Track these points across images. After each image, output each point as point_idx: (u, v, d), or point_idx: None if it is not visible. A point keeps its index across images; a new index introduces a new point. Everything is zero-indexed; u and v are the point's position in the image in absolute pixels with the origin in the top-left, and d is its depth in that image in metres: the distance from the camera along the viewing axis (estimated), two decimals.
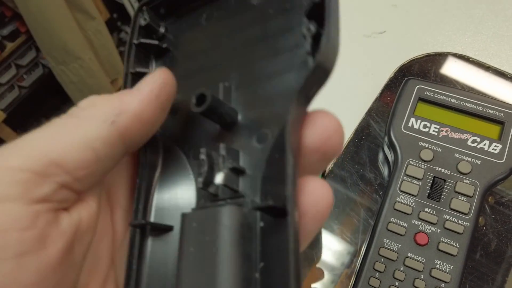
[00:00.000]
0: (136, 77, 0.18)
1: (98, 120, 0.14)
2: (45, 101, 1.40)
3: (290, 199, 0.12)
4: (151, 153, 0.17)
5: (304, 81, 0.13)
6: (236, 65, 0.16)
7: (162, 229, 0.16)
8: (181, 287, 0.13)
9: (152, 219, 0.16)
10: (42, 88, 1.33)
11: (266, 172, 0.13)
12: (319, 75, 0.13)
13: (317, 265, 0.34)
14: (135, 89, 0.16)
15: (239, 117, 0.15)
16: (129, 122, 0.15)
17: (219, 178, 0.14)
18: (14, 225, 0.12)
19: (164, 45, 0.19)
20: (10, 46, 1.21)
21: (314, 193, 0.13)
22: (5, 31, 1.19)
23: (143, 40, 0.18)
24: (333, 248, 0.34)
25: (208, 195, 0.15)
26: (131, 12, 1.44)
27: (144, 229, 0.16)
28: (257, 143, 0.14)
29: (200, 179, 0.14)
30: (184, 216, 0.14)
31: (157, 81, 0.15)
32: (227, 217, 0.13)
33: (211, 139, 0.16)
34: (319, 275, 0.33)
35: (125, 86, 0.18)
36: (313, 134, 0.13)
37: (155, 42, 0.18)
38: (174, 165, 0.17)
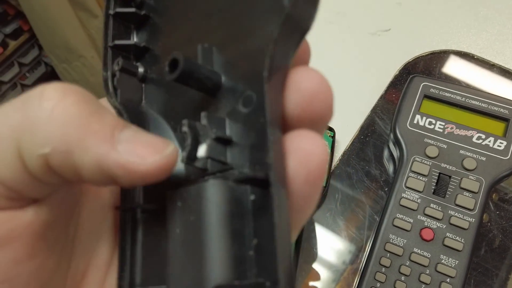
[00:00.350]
0: (116, 51, 0.17)
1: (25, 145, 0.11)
2: None
3: (271, 166, 0.11)
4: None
5: (277, 31, 0.11)
6: (217, 24, 0.14)
7: (153, 211, 0.15)
8: (171, 272, 0.13)
9: (141, 201, 0.15)
10: None
11: (253, 139, 0.12)
12: (291, 24, 0.11)
13: (315, 263, 0.34)
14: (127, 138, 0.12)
15: (223, 81, 0.13)
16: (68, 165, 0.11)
17: (201, 151, 0.12)
18: None
19: (143, 12, 0.17)
20: (13, 44, 1.22)
21: (302, 151, 0.11)
22: (8, 29, 1.19)
23: (119, 10, 0.17)
24: (338, 244, 0.35)
25: (197, 170, 0.13)
26: None
27: (135, 212, 0.15)
28: (243, 107, 0.12)
29: (184, 154, 0.12)
30: (168, 195, 0.13)
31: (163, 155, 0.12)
32: (210, 193, 0.12)
33: (196, 108, 0.14)
34: (316, 275, 0.33)
35: (104, 63, 0.17)
36: (293, 97, 0.12)
37: (132, 9, 0.17)
38: None
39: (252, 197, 0.12)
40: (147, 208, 0.15)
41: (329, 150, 0.36)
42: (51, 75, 1.30)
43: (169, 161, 0.11)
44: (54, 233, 0.13)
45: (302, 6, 0.11)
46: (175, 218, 0.13)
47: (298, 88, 0.12)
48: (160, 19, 0.17)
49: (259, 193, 0.12)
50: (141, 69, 0.17)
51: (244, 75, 0.13)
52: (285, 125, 0.12)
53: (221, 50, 0.14)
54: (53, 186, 0.12)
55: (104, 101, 0.16)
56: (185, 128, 0.12)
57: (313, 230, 0.35)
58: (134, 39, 0.17)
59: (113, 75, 0.16)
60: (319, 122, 0.12)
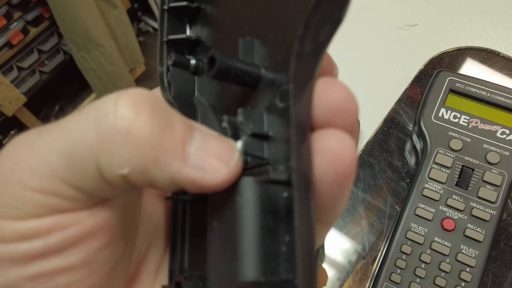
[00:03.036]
0: (171, 46, 0.17)
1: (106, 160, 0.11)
2: (64, 87, 1.43)
3: (295, 169, 0.11)
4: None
5: (305, 21, 0.11)
6: (260, 14, 0.14)
7: (199, 202, 0.16)
8: (209, 263, 0.13)
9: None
10: (62, 74, 1.36)
11: (288, 135, 0.12)
12: (325, 9, 0.11)
13: (334, 250, 0.35)
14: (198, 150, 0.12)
15: (263, 73, 0.13)
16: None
17: (240, 146, 0.12)
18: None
19: (194, 5, 0.17)
20: (33, 31, 1.23)
21: (330, 151, 0.11)
22: (29, 16, 1.20)
23: (172, 4, 0.17)
24: (360, 231, 0.35)
25: None
26: (151, 2, 1.45)
27: (184, 203, 0.16)
28: (279, 102, 0.12)
29: None
30: None
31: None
32: (243, 190, 0.12)
33: (240, 101, 0.14)
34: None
35: (160, 57, 0.17)
36: (318, 108, 0.12)
37: (184, 3, 0.17)
38: None
39: (285, 194, 0.12)
40: (193, 199, 0.16)
41: None
42: (69, 63, 1.32)
43: (235, 172, 0.12)
44: (125, 222, 0.14)
45: None
46: (213, 212, 0.13)
47: (323, 100, 0.12)
48: (211, 10, 0.17)
49: (292, 190, 0.11)
50: (193, 62, 0.17)
51: (281, 68, 0.12)
52: (314, 124, 0.12)
53: (263, 42, 0.14)
54: (128, 190, 0.13)
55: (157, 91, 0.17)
56: (224, 124, 0.13)
57: None
58: (187, 32, 0.18)
59: (168, 70, 0.17)
60: (346, 129, 0.12)
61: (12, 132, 1.29)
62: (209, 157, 0.12)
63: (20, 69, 1.23)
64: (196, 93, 0.17)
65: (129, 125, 0.11)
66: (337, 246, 0.35)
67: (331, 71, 0.13)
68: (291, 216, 0.11)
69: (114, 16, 1.25)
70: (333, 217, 0.13)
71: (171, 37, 0.17)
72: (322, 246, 0.34)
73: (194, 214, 0.16)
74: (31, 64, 1.26)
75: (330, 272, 0.34)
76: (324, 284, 0.34)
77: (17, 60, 1.22)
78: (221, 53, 0.12)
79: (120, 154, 0.11)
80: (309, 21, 0.11)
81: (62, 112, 1.45)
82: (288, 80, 0.11)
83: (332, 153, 0.11)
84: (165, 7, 0.17)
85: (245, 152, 0.12)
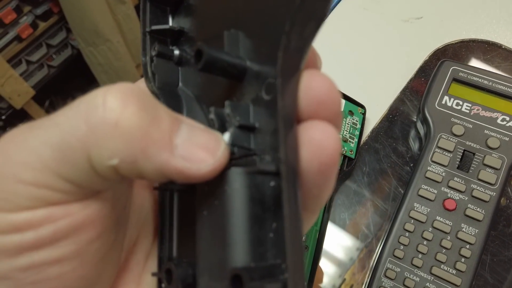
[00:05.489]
0: (154, 36, 0.17)
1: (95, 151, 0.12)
2: (71, 81, 1.44)
3: (283, 160, 0.11)
4: None
5: (291, 18, 0.11)
6: (244, 6, 0.14)
7: (187, 191, 0.16)
8: (198, 251, 0.14)
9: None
10: (70, 69, 1.37)
11: (275, 125, 0.12)
12: (310, 6, 0.11)
13: (341, 230, 0.37)
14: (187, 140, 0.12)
15: (249, 65, 0.13)
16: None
17: (225, 138, 0.13)
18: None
19: None
20: (42, 25, 1.25)
21: (315, 142, 0.12)
22: (39, 11, 1.22)
23: None
24: (366, 212, 0.37)
25: None
26: None
27: (171, 192, 0.16)
28: (265, 94, 0.12)
29: None
30: None
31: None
32: (232, 180, 0.12)
33: (225, 93, 0.15)
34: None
35: (143, 48, 0.17)
36: (302, 100, 0.12)
37: None
38: None
39: (272, 183, 0.12)
40: (181, 189, 0.16)
41: (359, 126, 0.39)
42: (77, 58, 1.34)
43: (221, 163, 0.12)
44: (116, 214, 0.15)
45: None
46: (202, 201, 0.14)
47: (307, 93, 0.12)
48: (193, 1, 0.17)
49: (279, 179, 0.12)
50: (176, 52, 0.17)
51: (266, 62, 0.13)
52: (299, 116, 0.12)
53: (247, 34, 0.14)
54: (119, 181, 0.14)
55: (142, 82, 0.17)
56: (211, 116, 0.13)
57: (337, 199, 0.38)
58: (170, 22, 0.17)
59: (151, 60, 0.17)
60: (330, 120, 0.12)
61: (20, 125, 1.31)
62: (195, 148, 0.12)
63: (28, 62, 1.25)
64: (180, 83, 0.17)
65: (117, 117, 0.11)
66: (344, 225, 0.37)
67: (315, 63, 0.14)
68: (278, 204, 0.12)
69: (122, 12, 1.27)
70: (319, 205, 0.13)
71: (154, 27, 0.17)
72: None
73: (181, 203, 0.16)
74: (40, 58, 1.28)
75: (339, 250, 0.36)
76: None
77: (26, 54, 1.24)
78: (208, 46, 0.12)
79: (110, 146, 0.12)
80: (295, 18, 0.11)
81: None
82: (275, 74, 0.12)
83: (317, 144, 0.11)
84: None
85: (233, 143, 0.13)
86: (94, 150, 0.12)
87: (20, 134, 0.13)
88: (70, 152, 0.12)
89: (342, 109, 0.38)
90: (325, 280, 0.35)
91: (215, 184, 0.13)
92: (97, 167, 0.12)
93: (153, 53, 0.16)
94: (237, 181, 0.12)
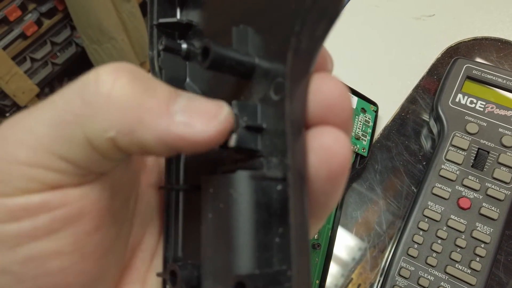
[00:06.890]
0: (161, 30, 0.17)
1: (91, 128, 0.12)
2: (76, 78, 1.44)
3: (290, 167, 0.11)
4: None
5: (302, 17, 0.11)
6: (256, 2, 0.13)
7: (192, 191, 0.16)
8: (203, 253, 0.13)
9: (182, 181, 0.16)
10: (74, 66, 1.37)
11: (283, 126, 0.12)
12: (322, 5, 0.11)
13: (353, 228, 0.36)
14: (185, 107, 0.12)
15: (257, 62, 0.13)
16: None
17: (232, 141, 0.12)
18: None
19: None
20: (47, 23, 1.25)
21: (324, 149, 0.11)
22: (44, 8, 1.22)
23: None
24: (378, 210, 0.37)
25: (231, 155, 0.14)
26: None
27: (177, 192, 0.16)
28: (274, 94, 0.12)
29: None
30: (202, 180, 0.14)
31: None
32: (237, 184, 0.12)
33: (233, 90, 0.14)
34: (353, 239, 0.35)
35: (150, 42, 0.16)
36: (312, 104, 0.12)
37: None
38: None
39: (279, 187, 0.12)
40: (187, 189, 0.16)
41: (371, 123, 0.38)
42: (81, 56, 1.34)
43: (226, 125, 0.12)
44: (117, 207, 0.14)
45: None
46: (207, 203, 0.13)
47: (317, 96, 0.12)
48: None
49: (286, 183, 0.12)
50: (184, 46, 0.16)
51: (276, 58, 0.12)
52: (308, 120, 0.12)
53: (257, 30, 0.13)
54: (120, 160, 0.13)
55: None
56: None
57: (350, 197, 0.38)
58: (178, 15, 0.17)
59: (158, 55, 0.16)
60: (340, 126, 0.12)
61: None
62: (196, 113, 0.12)
63: (33, 60, 1.25)
64: (187, 79, 0.17)
65: (109, 88, 0.11)
66: (355, 223, 0.37)
67: (326, 65, 0.13)
68: (284, 208, 0.12)
69: (127, 10, 1.27)
70: (326, 212, 0.13)
71: (162, 20, 0.16)
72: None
73: (187, 203, 0.16)
74: (44, 55, 1.28)
75: (349, 247, 0.36)
76: None
77: (30, 51, 1.24)
78: (215, 43, 0.12)
79: (104, 117, 0.11)
80: (306, 17, 0.11)
81: None
82: (283, 73, 0.11)
83: (327, 151, 0.11)
84: None
85: (239, 145, 0.12)
86: (90, 124, 0.12)
87: (18, 117, 0.13)
88: (66, 128, 0.12)
89: (354, 107, 0.38)
90: (329, 279, 0.35)
91: (220, 187, 0.13)
92: (94, 141, 0.12)
93: (160, 47, 0.16)
94: (243, 185, 0.12)
